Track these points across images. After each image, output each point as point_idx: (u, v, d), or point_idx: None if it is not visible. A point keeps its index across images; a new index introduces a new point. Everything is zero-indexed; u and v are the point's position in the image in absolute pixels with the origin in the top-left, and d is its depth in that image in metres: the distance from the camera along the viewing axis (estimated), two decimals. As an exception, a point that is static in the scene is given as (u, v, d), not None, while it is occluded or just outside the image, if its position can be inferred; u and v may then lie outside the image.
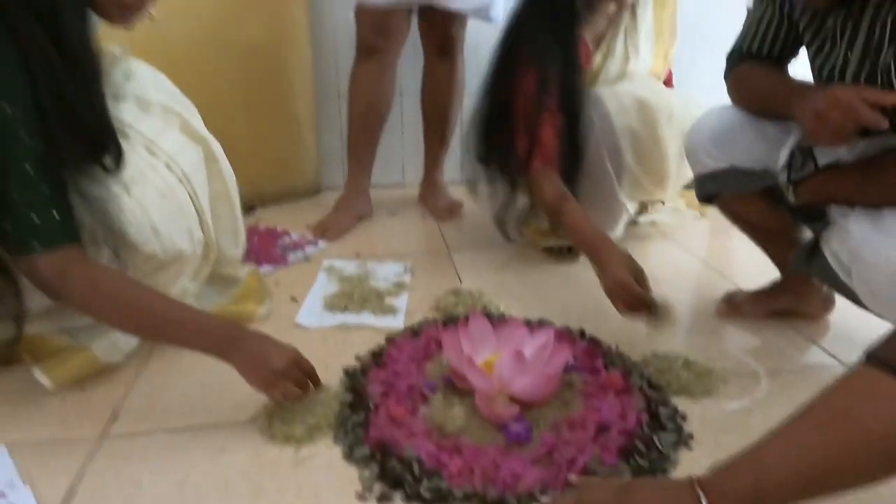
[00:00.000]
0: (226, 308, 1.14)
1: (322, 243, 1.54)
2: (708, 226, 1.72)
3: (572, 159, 1.29)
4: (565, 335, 1.08)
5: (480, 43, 1.74)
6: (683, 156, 1.22)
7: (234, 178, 1.07)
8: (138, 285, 0.84)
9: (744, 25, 1.08)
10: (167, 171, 0.92)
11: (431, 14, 1.57)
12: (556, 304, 1.26)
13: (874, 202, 0.90)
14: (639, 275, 1.04)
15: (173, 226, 0.92)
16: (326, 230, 1.58)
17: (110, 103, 0.81)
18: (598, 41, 1.39)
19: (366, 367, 1.00)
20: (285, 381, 0.82)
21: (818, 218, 1.02)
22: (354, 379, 0.97)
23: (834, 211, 0.98)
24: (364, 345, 1.08)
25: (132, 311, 0.80)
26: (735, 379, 1.00)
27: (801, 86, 0.95)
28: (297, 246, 1.52)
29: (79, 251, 0.78)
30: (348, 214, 1.66)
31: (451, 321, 1.14)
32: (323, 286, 1.30)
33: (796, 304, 1.20)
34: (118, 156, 0.81)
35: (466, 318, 1.13)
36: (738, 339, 1.15)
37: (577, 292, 1.32)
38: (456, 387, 0.93)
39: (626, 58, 1.41)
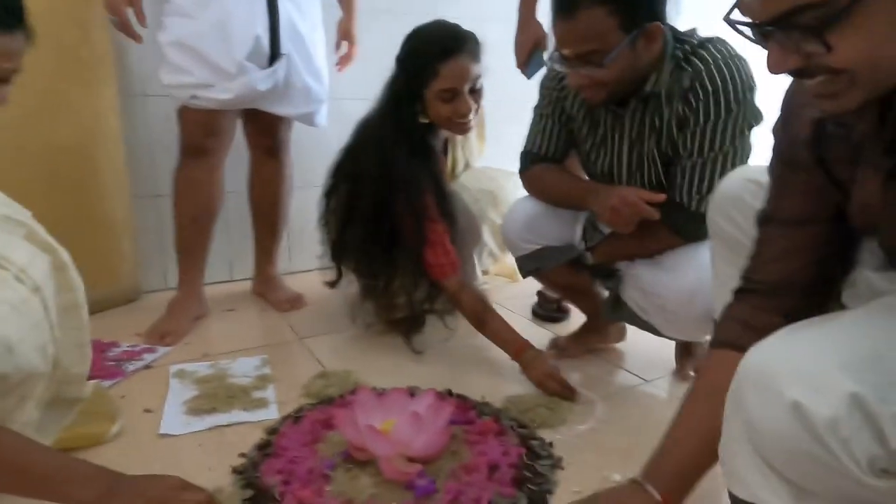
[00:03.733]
0: (73, 431, 1.02)
1: (162, 349, 1.45)
2: (521, 288, 2.00)
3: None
4: (440, 395, 1.19)
5: (304, 139, 1.87)
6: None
7: (83, 288, 1.00)
8: (10, 436, 0.74)
9: (530, 132, 1.36)
10: (18, 282, 0.85)
11: (258, 116, 1.63)
12: (416, 372, 1.37)
13: (652, 253, 1.21)
14: (556, 371, 1.26)
15: (28, 342, 0.84)
16: (164, 335, 1.50)
17: None
18: (444, 146, 1.59)
19: (256, 461, 0.99)
20: None
21: (611, 275, 1.34)
22: (248, 474, 0.96)
23: (623, 266, 1.29)
24: (242, 442, 1.06)
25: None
26: (578, 407, 1.21)
27: (591, 186, 1.27)
28: (132, 356, 1.41)
29: None
30: (185, 316, 1.59)
31: (327, 403, 1.18)
32: (179, 392, 1.24)
33: (602, 339, 1.51)
34: None
35: (343, 397, 1.20)
36: (570, 376, 1.37)
37: (432, 358, 1.45)
38: (354, 459, 0.97)
39: (465, 154, 1.64)
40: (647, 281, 1.20)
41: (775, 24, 0.51)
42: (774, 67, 0.54)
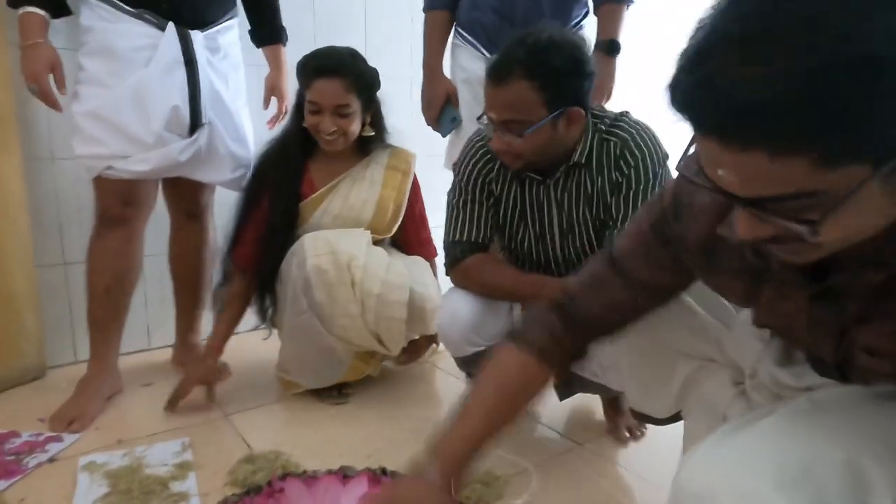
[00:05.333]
0: None
1: (69, 437, 1.34)
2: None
3: (266, 270, 1.50)
4: (373, 476, 1.16)
5: (228, 201, 1.81)
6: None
7: None
8: None
9: (454, 221, 1.32)
10: None
11: (179, 182, 1.58)
12: (347, 447, 1.33)
13: None
14: None
15: None
16: (72, 420, 1.38)
17: None
18: (329, 178, 1.56)
19: (175, 570, 0.92)
20: None
21: None
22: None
23: None
24: (160, 545, 0.99)
25: None
26: (514, 479, 1.21)
27: (538, 280, 1.24)
28: (34, 447, 1.30)
29: None
30: (96, 396, 1.47)
31: (254, 492, 1.12)
32: (87, 491, 1.14)
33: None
34: None
35: (271, 484, 1.14)
36: (503, 441, 1.37)
37: (361, 430, 1.42)
38: (284, 561, 0.92)
39: (347, 197, 1.56)
40: (604, 352, 1.18)
41: (763, 205, 0.49)
42: (746, 234, 0.53)
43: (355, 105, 1.48)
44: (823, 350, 0.64)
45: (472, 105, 1.66)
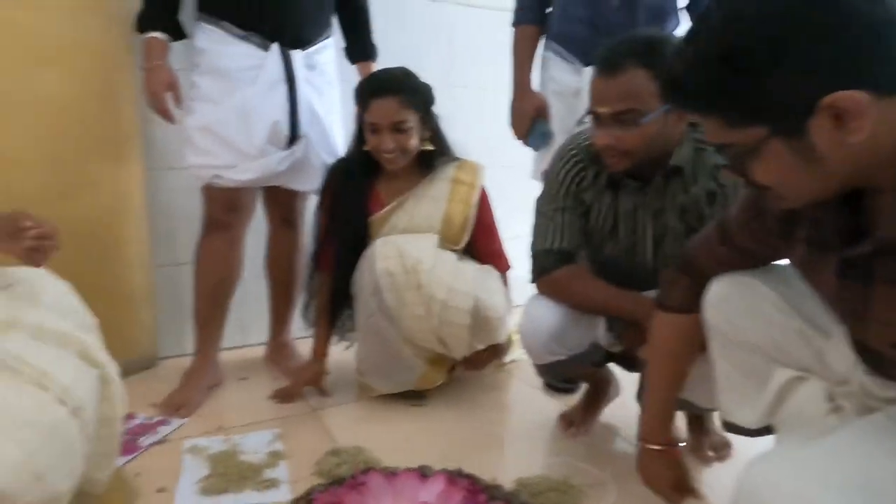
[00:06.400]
0: None
1: (176, 421, 1.47)
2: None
3: (341, 286, 1.57)
4: (450, 477, 1.19)
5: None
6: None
7: (124, 400, 1.00)
8: None
9: (543, 229, 1.30)
10: (59, 404, 0.83)
11: (277, 191, 1.71)
12: (423, 447, 1.37)
13: None
14: None
15: (58, 469, 0.82)
16: (179, 407, 1.52)
17: None
18: (395, 195, 1.61)
19: (267, 549, 0.99)
20: None
21: (633, 363, 1.34)
22: (259, 564, 0.96)
23: None
24: (253, 525, 1.07)
25: None
26: (589, 489, 1.20)
27: (631, 296, 1.22)
28: (147, 428, 1.43)
29: None
30: (200, 386, 1.61)
31: (338, 483, 1.18)
32: (191, 470, 1.25)
33: (606, 400, 1.50)
34: None
35: (354, 478, 1.20)
36: (577, 450, 1.37)
37: (437, 431, 1.46)
38: (365, 549, 0.97)
39: (413, 215, 1.60)
40: None
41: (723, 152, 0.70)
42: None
43: (412, 121, 1.52)
44: (854, 328, 0.72)
45: (564, 117, 1.65)
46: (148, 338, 1.86)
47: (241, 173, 1.53)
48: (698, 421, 1.38)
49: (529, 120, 1.68)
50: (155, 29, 1.50)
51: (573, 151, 1.30)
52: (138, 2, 1.52)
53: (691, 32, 0.67)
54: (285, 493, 1.18)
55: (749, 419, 0.99)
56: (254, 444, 1.36)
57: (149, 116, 1.64)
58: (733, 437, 1.26)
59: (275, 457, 1.31)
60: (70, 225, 1.59)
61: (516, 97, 1.70)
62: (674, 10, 1.64)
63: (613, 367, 1.47)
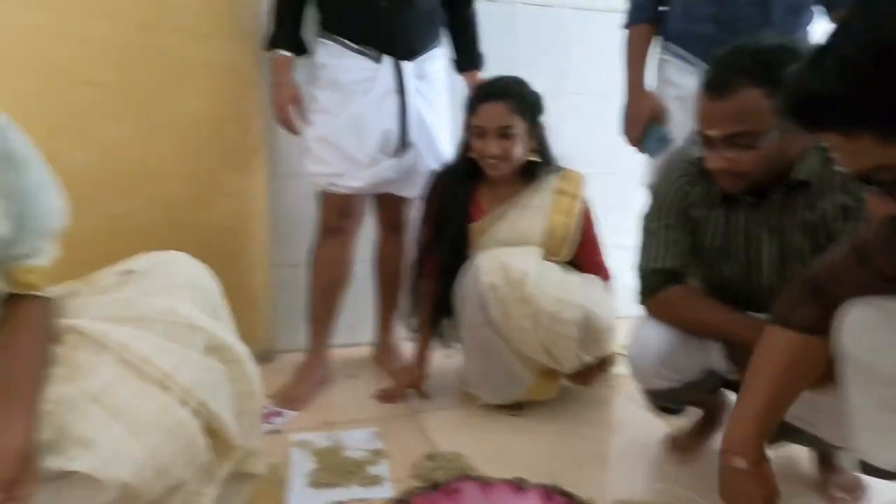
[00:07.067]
0: None
1: (288, 414, 1.57)
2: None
3: (442, 292, 1.58)
4: (546, 492, 1.17)
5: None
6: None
7: (258, 376, 1.05)
8: None
9: (650, 246, 1.24)
10: (180, 406, 0.89)
11: (386, 197, 1.78)
12: (520, 458, 1.36)
13: None
14: None
15: (180, 462, 0.89)
16: (292, 400, 1.62)
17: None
18: (496, 204, 1.60)
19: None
20: None
21: None
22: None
23: None
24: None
25: None
26: (696, 521, 1.13)
27: (750, 321, 1.11)
28: (264, 419, 1.54)
29: None
30: (311, 382, 1.71)
31: (434, 488, 1.20)
32: (300, 463, 1.32)
33: (718, 425, 1.39)
34: None
35: (449, 484, 1.21)
36: (686, 478, 1.29)
37: (536, 443, 1.44)
38: (457, 556, 0.98)
39: (514, 226, 1.58)
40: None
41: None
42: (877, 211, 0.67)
43: (519, 128, 1.51)
44: None
45: (685, 124, 1.54)
46: (267, 332, 2.00)
47: (353, 181, 1.61)
48: (826, 458, 1.25)
49: (644, 124, 1.61)
50: (281, 47, 1.62)
51: (681, 165, 1.23)
52: (267, 23, 1.64)
53: (829, 42, 0.60)
54: (388, 490, 1.22)
55: (891, 461, 0.88)
56: (356, 441, 1.42)
57: (273, 128, 1.77)
58: (869, 479, 1.13)
59: (376, 455, 1.36)
60: (203, 227, 1.77)
61: (630, 100, 1.64)
62: (809, 2, 1.51)
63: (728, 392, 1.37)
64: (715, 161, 1.07)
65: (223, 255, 1.81)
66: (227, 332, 1.00)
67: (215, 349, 0.97)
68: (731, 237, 1.18)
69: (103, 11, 1.61)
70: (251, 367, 1.01)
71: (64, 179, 0.97)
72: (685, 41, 1.56)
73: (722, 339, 1.18)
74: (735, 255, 1.18)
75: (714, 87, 1.03)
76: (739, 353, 1.15)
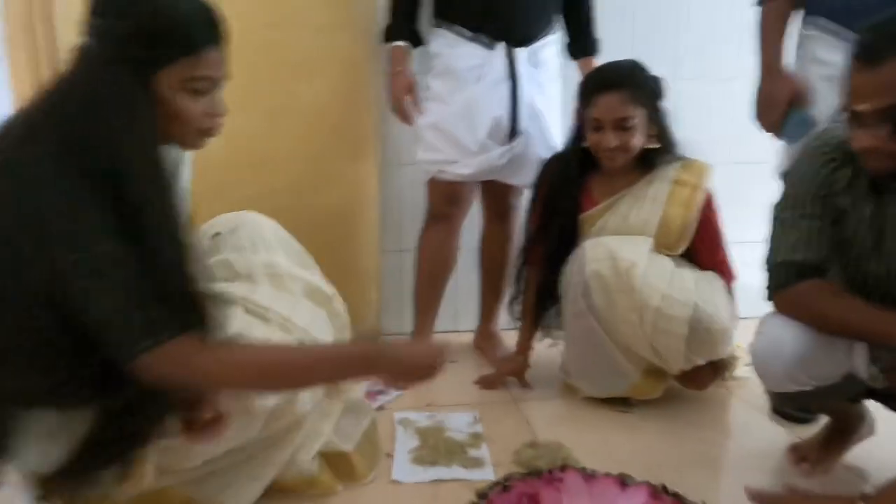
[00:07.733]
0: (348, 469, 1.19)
1: (393, 393, 1.62)
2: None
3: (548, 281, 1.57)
4: (653, 491, 1.13)
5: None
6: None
7: (346, 312, 1.19)
8: (260, 348, 0.90)
9: (781, 237, 1.13)
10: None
11: (494, 185, 1.78)
12: (624, 454, 1.32)
13: None
14: None
15: (304, 395, 1.01)
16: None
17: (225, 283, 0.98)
18: (609, 195, 1.54)
19: (466, 524, 1.04)
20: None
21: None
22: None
23: None
24: (451, 499, 1.13)
25: (268, 373, 0.84)
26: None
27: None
28: (370, 396, 1.60)
29: (189, 338, 0.79)
30: (415, 364, 1.75)
31: (535, 475, 1.19)
32: (404, 440, 1.37)
33: (853, 439, 1.27)
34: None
35: (551, 472, 1.20)
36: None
37: (641, 441, 1.39)
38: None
39: (626, 217, 1.51)
40: None
41: None
42: None
43: (637, 117, 1.44)
44: None
45: (835, 105, 1.41)
46: (374, 315, 2.07)
47: (462, 168, 1.63)
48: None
49: (782, 108, 1.46)
50: (398, 38, 1.67)
51: (824, 149, 1.11)
52: (381, 16, 1.70)
53: None
54: (490, 473, 1.23)
55: None
56: (457, 423, 1.44)
57: (386, 117, 1.83)
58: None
59: (477, 438, 1.37)
60: (317, 213, 1.87)
61: (765, 82, 1.45)
62: None
63: (869, 402, 1.24)
64: (864, 140, 0.96)
65: (335, 240, 1.91)
66: (317, 277, 1.13)
67: (311, 293, 1.10)
68: (884, 231, 1.05)
69: (236, 13, 1.74)
70: (341, 304, 1.12)
71: (202, 166, 1.08)
72: (835, 13, 1.39)
73: (865, 340, 1.06)
74: (887, 252, 1.05)
75: (865, 56, 0.92)
76: (886, 356, 1.04)
